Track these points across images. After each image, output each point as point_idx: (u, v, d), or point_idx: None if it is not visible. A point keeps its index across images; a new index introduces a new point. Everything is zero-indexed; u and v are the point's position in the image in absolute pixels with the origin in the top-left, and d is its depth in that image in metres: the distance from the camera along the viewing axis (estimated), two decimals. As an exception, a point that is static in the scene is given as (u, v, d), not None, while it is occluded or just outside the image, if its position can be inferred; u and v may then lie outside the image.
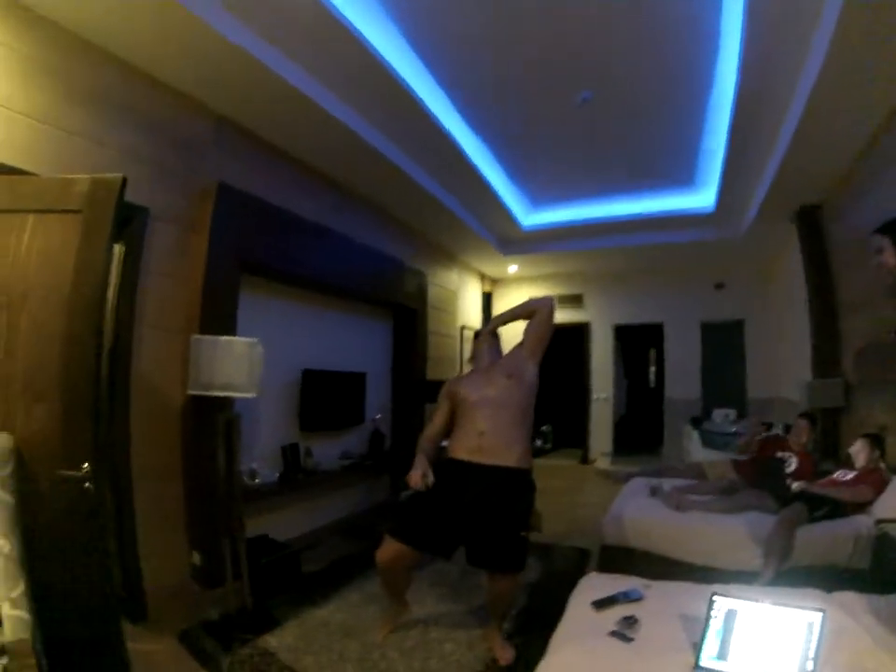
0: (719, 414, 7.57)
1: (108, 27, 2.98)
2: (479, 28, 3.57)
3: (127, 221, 3.18)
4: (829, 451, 4.81)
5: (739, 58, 3.55)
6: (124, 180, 2.24)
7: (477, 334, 3.40)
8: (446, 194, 6.01)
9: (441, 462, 2.95)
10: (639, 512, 3.82)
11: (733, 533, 3.42)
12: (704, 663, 1.74)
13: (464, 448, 2.87)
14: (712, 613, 1.83)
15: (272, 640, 2.98)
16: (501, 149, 5.44)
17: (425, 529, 2.79)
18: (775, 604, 1.80)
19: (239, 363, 3.05)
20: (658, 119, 4.73)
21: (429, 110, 4.40)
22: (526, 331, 3.08)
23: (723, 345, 8.43)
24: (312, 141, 4.44)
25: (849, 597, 2.22)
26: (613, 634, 1.97)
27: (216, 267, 3.69)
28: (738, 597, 1.87)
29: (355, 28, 3.43)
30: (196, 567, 3.55)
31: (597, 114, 4.60)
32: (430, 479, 2.76)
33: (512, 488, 2.81)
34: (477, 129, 4.99)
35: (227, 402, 3.32)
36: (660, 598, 2.27)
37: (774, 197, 5.27)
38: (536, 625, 2.98)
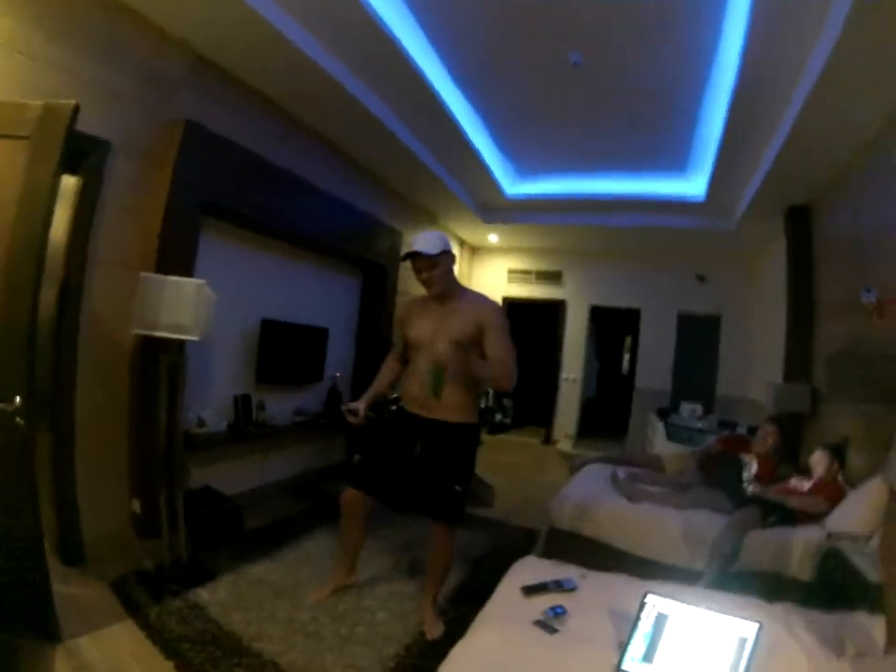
0: (686, 408, 7.55)
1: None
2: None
3: (85, 153, 3.04)
4: (790, 456, 4.79)
5: (742, 47, 3.41)
6: (76, 108, 2.14)
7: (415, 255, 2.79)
8: (429, 155, 5.82)
9: (395, 411, 3.01)
10: (589, 498, 3.76)
11: (681, 529, 3.38)
12: (626, 665, 1.66)
13: (413, 401, 2.87)
14: (642, 614, 1.76)
15: (203, 594, 2.95)
16: (490, 114, 5.25)
17: (376, 477, 2.88)
18: (709, 610, 1.72)
19: (186, 304, 2.93)
20: (654, 98, 4.56)
21: (419, 68, 4.21)
22: (484, 342, 2.76)
23: (698, 339, 8.37)
24: (294, 89, 4.24)
25: (789, 610, 2.15)
26: (538, 623, 1.91)
27: (177, 206, 3.54)
28: (672, 599, 1.79)
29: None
30: (136, 514, 3.48)
31: (591, 84, 4.42)
32: (361, 414, 2.88)
33: (458, 441, 2.82)
34: (466, 90, 4.80)
35: (173, 345, 3.17)
36: (594, 590, 2.21)
37: (764, 194, 5.18)
38: (472, 601, 2.91)
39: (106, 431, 3.36)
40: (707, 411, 7.62)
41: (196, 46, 3.66)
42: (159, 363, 3.12)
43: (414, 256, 2.75)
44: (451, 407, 2.77)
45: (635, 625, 1.74)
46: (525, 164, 6.58)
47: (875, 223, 3.81)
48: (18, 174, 2.07)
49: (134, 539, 3.42)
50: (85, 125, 2.17)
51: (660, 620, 1.74)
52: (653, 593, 1.83)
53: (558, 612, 1.98)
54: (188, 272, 3.57)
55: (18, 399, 2.02)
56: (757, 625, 1.63)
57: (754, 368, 7.38)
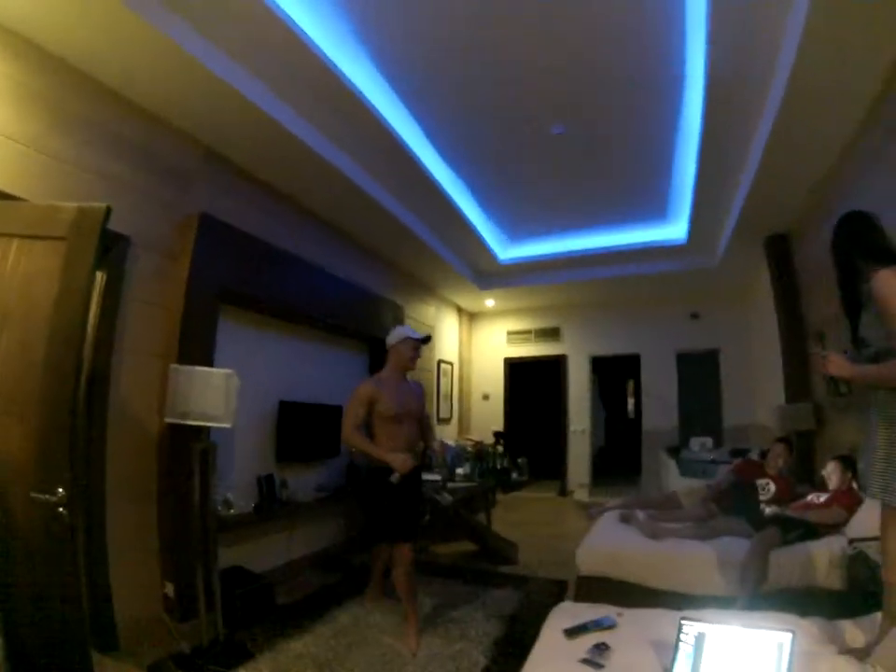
0: (696, 443, 7.59)
1: (97, 56, 3.05)
2: (456, 62, 3.70)
3: (108, 249, 3.21)
4: (805, 474, 4.86)
5: (704, 97, 3.70)
6: (108, 210, 2.25)
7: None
8: (425, 229, 6.13)
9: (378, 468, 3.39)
10: (613, 542, 3.80)
11: (707, 559, 3.42)
12: (674, 687, 1.74)
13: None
14: (681, 637, 1.84)
15: (245, 673, 2.93)
16: (478, 184, 5.56)
17: (411, 524, 3.47)
18: (744, 626, 1.80)
19: (215, 393, 3.06)
20: (629, 155, 4.88)
21: (408, 146, 4.54)
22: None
23: (699, 374, 8.52)
24: (296, 176, 4.56)
25: (821, 623, 2.22)
26: (584, 661, 1.97)
27: (196, 296, 3.72)
28: (707, 621, 1.87)
29: (336, 66, 3.60)
30: (169, 598, 3.49)
31: (570, 149, 4.74)
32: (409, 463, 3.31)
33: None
34: (453, 164, 5.12)
35: (203, 431, 3.30)
36: (632, 625, 2.27)
37: (742, 228, 5.42)
38: (512, 655, 2.97)
39: (135, 516, 3.41)
40: (718, 443, 7.67)
41: (205, 140, 3.93)
42: (191, 449, 3.20)
43: (427, 341, 3.73)
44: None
45: (676, 648, 1.82)
46: (515, 229, 6.87)
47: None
48: (53, 273, 2.16)
49: (168, 623, 3.42)
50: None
51: (699, 641, 1.81)
52: (688, 617, 1.91)
53: (602, 649, 2.04)
54: (208, 358, 3.72)
55: (60, 489, 2.04)
56: (791, 634, 1.72)
57: (758, 394, 7.49)
